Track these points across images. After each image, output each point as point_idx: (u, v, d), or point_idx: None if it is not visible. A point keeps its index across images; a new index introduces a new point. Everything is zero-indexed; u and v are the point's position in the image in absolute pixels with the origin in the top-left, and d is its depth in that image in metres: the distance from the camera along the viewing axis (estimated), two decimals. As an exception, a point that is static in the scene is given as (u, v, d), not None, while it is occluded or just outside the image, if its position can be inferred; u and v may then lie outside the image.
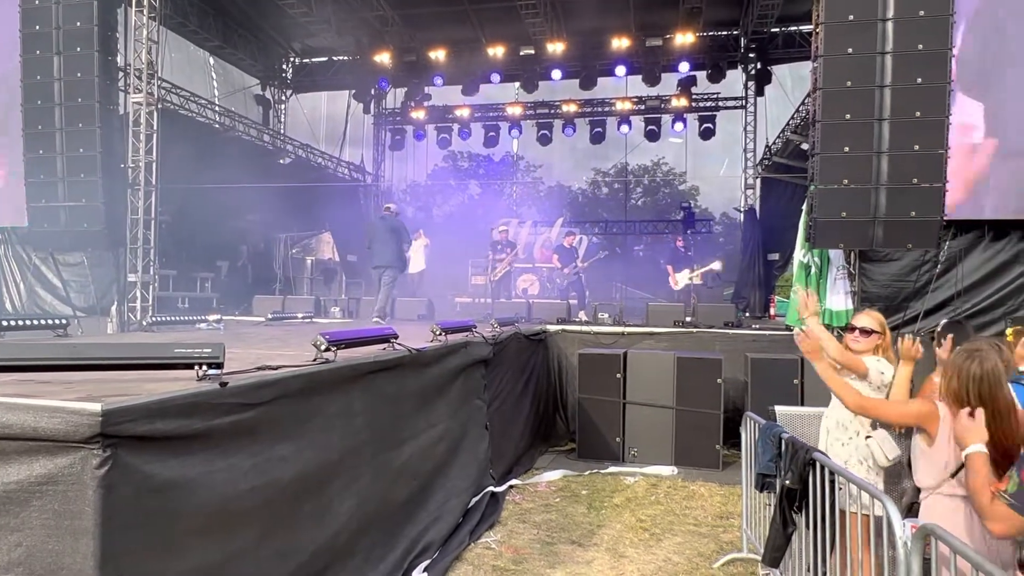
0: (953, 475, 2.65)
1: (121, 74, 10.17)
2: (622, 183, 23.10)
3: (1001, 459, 2.50)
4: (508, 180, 22.47)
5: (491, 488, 5.86)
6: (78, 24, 9.12)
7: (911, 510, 3.19)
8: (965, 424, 2.53)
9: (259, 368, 3.11)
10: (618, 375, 7.61)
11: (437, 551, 4.55)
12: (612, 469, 7.17)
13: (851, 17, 7.47)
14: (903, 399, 3.41)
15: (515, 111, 17.94)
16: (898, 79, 7.35)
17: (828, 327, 7.83)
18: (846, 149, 7.49)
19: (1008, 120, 8.18)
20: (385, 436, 4.07)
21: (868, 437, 3.50)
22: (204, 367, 2.74)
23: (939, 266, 8.10)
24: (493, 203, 20.91)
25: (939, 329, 4.31)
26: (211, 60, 15.74)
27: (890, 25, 7.36)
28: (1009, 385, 2.71)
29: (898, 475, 3.81)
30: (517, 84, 17.23)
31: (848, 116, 7.49)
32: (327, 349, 3.56)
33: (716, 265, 12.77)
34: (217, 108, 14.57)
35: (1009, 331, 3.98)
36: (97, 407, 2.12)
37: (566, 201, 22.18)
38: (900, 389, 3.47)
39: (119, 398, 2.27)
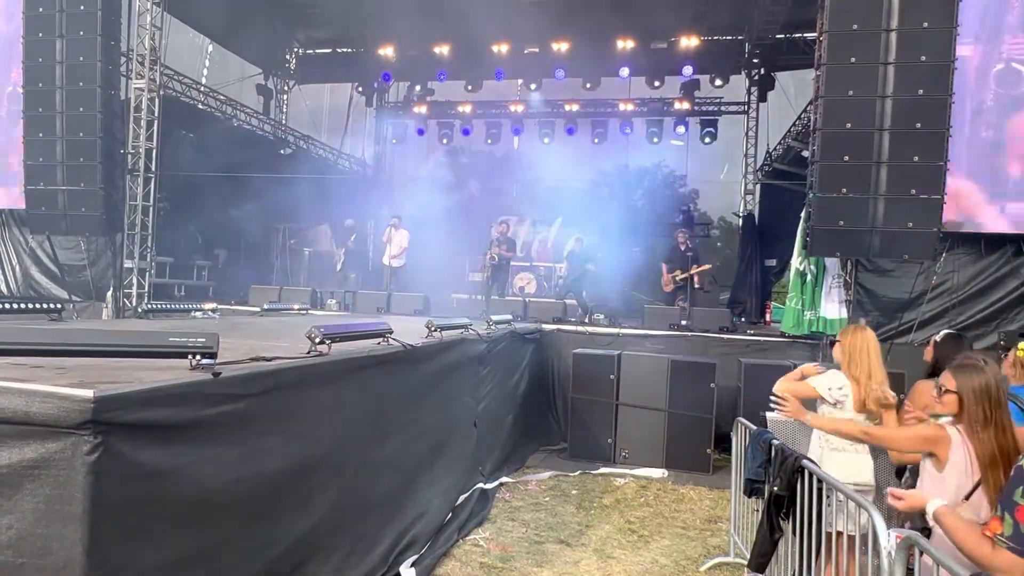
0: (966, 498, 2.57)
1: (123, 59, 10.14)
2: (622, 184, 23.00)
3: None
4: (508, 177, 22.34)
5: (480, 485, 5.88)
6: (81, 8, 9.09)
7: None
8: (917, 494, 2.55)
9: (253, 359, 3.11)
10: (612, 376, 7.63)
11: (425, 547, 4.56)
12: (603, 470, 7.20)
13: (855, 27, 7.45)
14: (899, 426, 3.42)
15: (517, 109, 17.92)
16: (900, 90, 7.33)
17: (821, 335, 7.86)
18: (846, 158, 7.48)
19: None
20: (373, 431, 4.08)
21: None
22: (198, 356, 2.73)
23: (935, 277, 8.11)
24: (493, 200, 20.80)
25: (937, 340, 4.28)
26: (209, 47, 15.65)
27: (893, 36, 7.33)
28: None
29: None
30: (520, 82, 17.19)
31: (849, 125, 7.47)
32: (321, 342, 3.55)
33: (706, 267, 12.63)
34: (220, 96, 14.51)
35: (1022, 346, 3.91)
36: (89, 393, 2.13)
37: (565, 200, 22.08)
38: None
39: (111, 385, 2.27)
